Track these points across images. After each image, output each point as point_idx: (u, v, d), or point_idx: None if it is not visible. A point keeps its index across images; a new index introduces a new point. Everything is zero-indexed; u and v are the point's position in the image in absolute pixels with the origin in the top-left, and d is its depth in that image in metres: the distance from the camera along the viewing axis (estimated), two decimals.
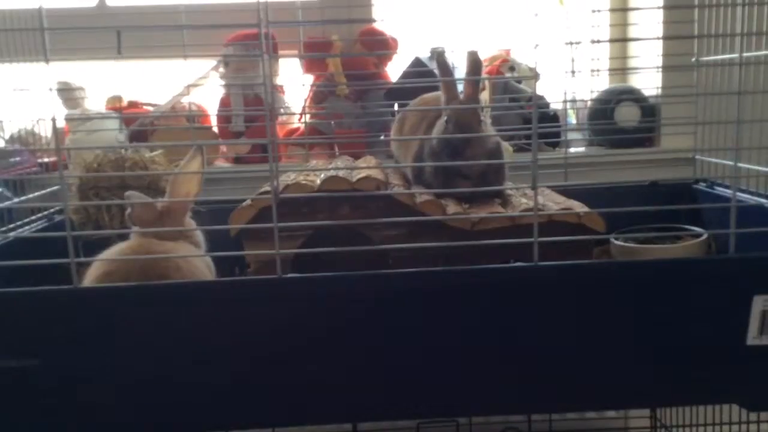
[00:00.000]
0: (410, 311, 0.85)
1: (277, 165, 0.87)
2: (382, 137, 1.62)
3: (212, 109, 1.70)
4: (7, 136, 1.52)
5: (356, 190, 0.99)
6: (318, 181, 1.01)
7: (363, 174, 1.01)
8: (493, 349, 0.86)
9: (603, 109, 1.63)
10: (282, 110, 1.68)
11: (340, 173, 1.02)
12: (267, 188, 1.02)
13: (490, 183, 1.05)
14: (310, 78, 1.68)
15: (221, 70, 1.61)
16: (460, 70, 1.24)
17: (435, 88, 1.24)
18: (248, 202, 1.01)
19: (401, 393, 0.88)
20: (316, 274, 0.85)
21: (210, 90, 1.66)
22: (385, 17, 1.85)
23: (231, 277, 1.07)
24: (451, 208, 1.01)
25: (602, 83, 1.74)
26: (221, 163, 1.69)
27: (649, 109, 1.63)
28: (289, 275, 0.86)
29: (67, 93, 1.58)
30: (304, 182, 1.01)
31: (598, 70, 1.63)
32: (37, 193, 1.28)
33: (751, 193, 1.13)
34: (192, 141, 1.44)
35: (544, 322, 0.85)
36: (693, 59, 1.34)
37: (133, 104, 1.68)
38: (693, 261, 0.98)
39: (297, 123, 1.72)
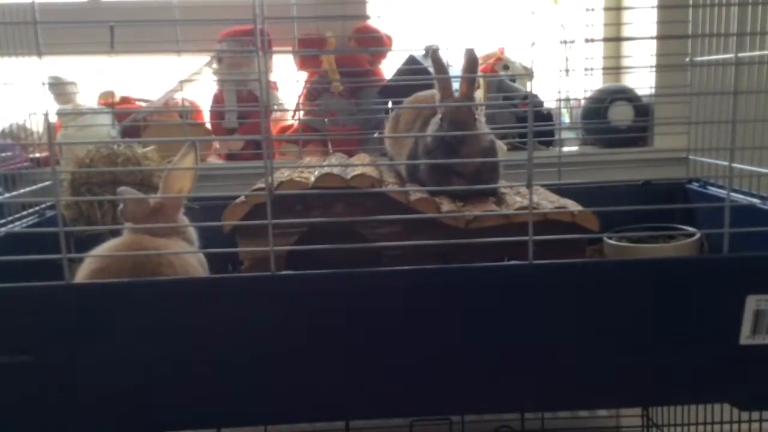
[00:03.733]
0: (404, 309, 0.85)
1: (271, 162, 0.86)
2: (376, 135, 1.62)
3: (205, 106, 1.69)
4: None
5: (350, 188, 0.99)
6: (312, 179, 1.01)
7: (357, 171, 1.01)
8: (487, 347, 0.86)
9: (597, 109, 1.63)
10: (276, 107, 1.67)
11: (335, 170, 1.01)
12: (261, 185, 1.02)
13: (485, 181, 1.04)
14: (304, 75, 1.67)
15: (215, 66, 1.60)
16: (455, 68, 1.23)
17: (429, 86, 1.24)
18: (242, 198, 1.01)
19: (395, 391, 0.88)
20: (310, 271, 0.85)
21: (203, 86, 1.65)
22: (379, 14, 1.84)
23: (224, 274, 1.07)
24: (446, 206, 1.01)
25: (596, 82, 1.74)
26: (214, 160, 1.68)
27: (642, 108, 1.64)
28: (283, 272, 0.86)
29: (59, 88, 1.57)
30: (298, 179, 1.01)
31: (592, 69, 1.63)
32: (28, 189, 1.27)
33: (744, 193, 1.14)
34: (185, 137, 1.43)
35: (538, 321, 0.85)
36: (687, 59, 1.34)
37: (125, 100, 1.67)
38: (686, 260, 0.98)
39: (291, 120, 1.72)
